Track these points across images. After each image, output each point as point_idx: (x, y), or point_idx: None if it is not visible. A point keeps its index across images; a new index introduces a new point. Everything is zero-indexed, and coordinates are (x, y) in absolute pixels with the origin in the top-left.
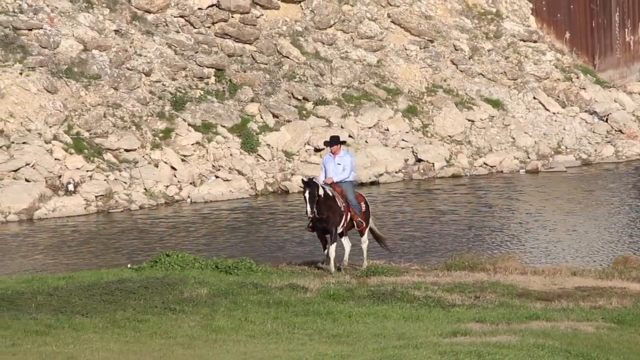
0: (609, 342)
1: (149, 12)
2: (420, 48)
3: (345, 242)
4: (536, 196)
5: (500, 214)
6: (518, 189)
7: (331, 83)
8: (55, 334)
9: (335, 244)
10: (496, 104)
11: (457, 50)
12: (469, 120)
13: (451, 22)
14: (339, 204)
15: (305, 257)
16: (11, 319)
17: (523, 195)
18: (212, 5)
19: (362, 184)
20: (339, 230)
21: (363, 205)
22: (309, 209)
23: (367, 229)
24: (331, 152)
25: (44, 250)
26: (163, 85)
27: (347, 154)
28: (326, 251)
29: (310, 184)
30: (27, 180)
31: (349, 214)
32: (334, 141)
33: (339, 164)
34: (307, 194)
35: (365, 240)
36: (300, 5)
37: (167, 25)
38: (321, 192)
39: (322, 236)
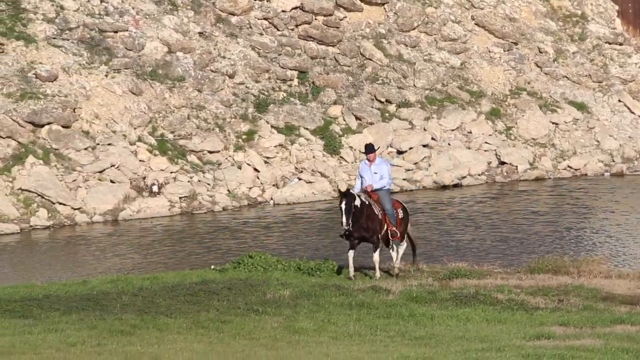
0: None
1: (233, 14)
2: (504, 50)
3: (396, 248)
4: (621, 200)
5: (584, 217)
6: (602, 192)
7: (414, 85)
8: (139, 334)
9: (378, 250)
10: (581, 106)
11: (541, 52)
12: (553, 123)
13: (535, 25)
14: (376, 212)
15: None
16: (97, 319)
17: (607, 198)
18: (295, 8)
19: (444, 187)
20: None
21: (400, 212)
22: (344, 220)
23: (404, 234)
24: (367, 160)
25: (128, 251)
26: (246, 87)
27: (384, 161)
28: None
29: (346, 194)
30: (112, 182)
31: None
32: (369, 149)
33: (375, 172)
34: (343, 205)
35: (403, 244)
36: (384, 8)
37: (250, 27)
38: (357, 202)
39: (355, 245)
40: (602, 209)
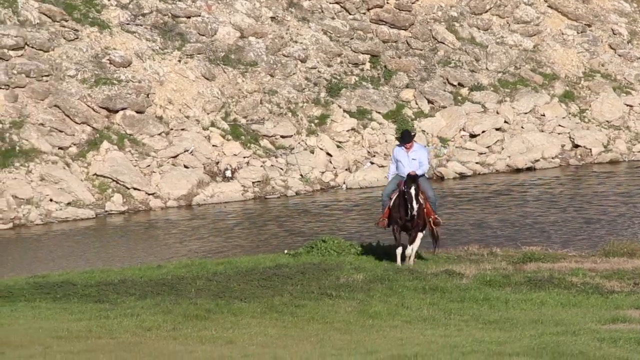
0: None
1: None
2: (578, 32)
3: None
4: None
5: None
6: None
7: (486, 68)
8: (214, 318)
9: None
10: None
11: (615, 34)
12: (628, 105)
13: (609, 6)
14: (422, 203)
15: (462, 243)
16: (172, 304)
17: None
18: None
19: (518, 170)
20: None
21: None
22: (415, 205)
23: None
24: (404, 146)
25: (202, 236)
26: (318, 71)
27: (421, 147)
28: (400, 250)
29: (415, 178)
30: (185, 167)
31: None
32: (407, 137)
33: (414, 158)
34: (413, 190)
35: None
36: None
37: (322, 11)
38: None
39: (399, 230)
40: None
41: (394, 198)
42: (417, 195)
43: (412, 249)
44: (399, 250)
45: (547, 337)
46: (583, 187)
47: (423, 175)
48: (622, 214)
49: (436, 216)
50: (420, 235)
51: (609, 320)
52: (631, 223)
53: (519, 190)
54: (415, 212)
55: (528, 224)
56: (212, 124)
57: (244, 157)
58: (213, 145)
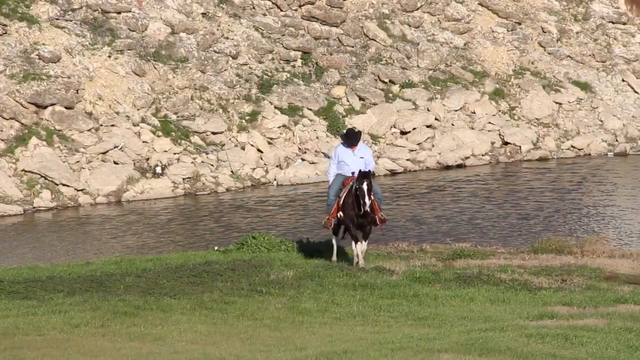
0: None
1: None
2: (508, 30)
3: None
4: (625, 179)
5: (588, 197)
6: (606, 172)
7: (417, 66)
8: (143, 315)
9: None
10: (584, 86)
11: (545, 32)
12: (557, 103)
13: (539, 4)
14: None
15: (390, 240)
16: (100, 300)
17: (611, 178)
18: None
19: (448, 167)
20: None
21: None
22: (367, 201)
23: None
24: (348, 145)
25: (132, 232)
26: (250, 68)
27: (365, 145)
28: (359, 245)
29: (367, 174)
30: (115, 163)
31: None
32: (354, 138)
33: (361, 157)
34: (365, 186)
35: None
36: None
37: (254, 8)
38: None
39: (355, 230)
40: (605, 189)
41: (343, 196)
42: (369, 190)
43: (362, 249)
44: (359, 247)
45: (476, 333)
46: (519, 183)
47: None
48: (558, 210)
49: (382, 214)
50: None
51: (537, 316)
52: (566, 219)
53: (454, 187)
54: (367, 208)
55: (464, 220)
56: (143, 120)
57: (175, 154)
58: (143, 142)
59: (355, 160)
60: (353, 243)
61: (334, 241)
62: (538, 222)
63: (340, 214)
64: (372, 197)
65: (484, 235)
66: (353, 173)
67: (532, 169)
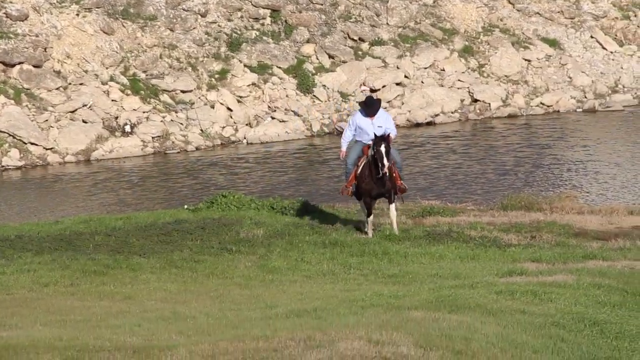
0: None
1: None
2: None
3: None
4: (593, 136)
5: (557, 154)
6: (575, 128)
7: (387, 23)
8: (113, 274)
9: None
10: (553, 43)
11: None
12: (526, 59)
13: None
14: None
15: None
16: (69, 259)
17: (580, 134)
18: None
19: (418, 125)
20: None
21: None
22: (386, 163)
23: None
24: (367, 113)
25: (101, 192)
26: (219, 26)
27: (384, 111)
28: (372, 218)
29: (385, 138)
30: (84, 122)
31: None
32: (374, 106)
33: (379, 126)
34: (382, 148)
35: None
36: None
37: None
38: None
39: (371, 201)
40: (574, 145)
41: (361, 165)
42: (387, 153)
43: (392, 216)
44: (371, 219)
45: (445, 290)
46: (492, 139)
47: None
48: (537, 166)
49: (402, 182)
50: (395, 198)
51: (506, 273)
52: (544, 175)
53: (431, 143)
54: (386, 170)
55: (445, 176)
56: (111, 79)
57: (144, 112)
58: (112, 100)
59: (374, 128)
60: (365, 216)
61: (368, 219)
62: (517, 179)
63: (357, 183)
64: (390, 162)
65: (465, 191)
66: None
67: (501, 126)
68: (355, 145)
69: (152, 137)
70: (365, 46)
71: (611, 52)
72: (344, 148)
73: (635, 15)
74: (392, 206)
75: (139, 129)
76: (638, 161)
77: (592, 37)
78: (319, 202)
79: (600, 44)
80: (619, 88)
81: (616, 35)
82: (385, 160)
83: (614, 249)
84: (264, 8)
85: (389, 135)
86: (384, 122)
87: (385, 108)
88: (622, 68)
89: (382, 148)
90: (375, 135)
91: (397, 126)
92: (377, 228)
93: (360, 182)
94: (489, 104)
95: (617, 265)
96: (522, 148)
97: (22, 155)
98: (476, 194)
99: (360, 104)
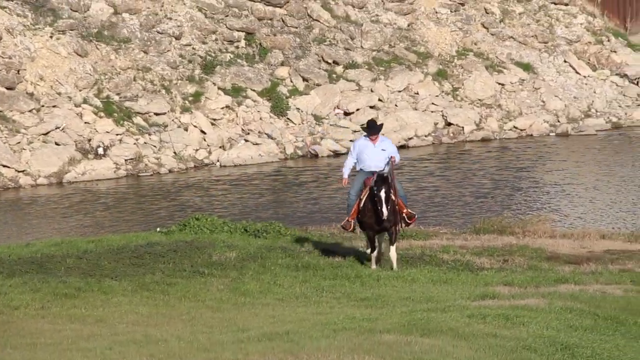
0: (637, 304)
1: None
2: (451, 11)
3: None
4: (566, 160)
5: (530, 178)
6: (548, 152)
7: (361, 47)
8: (84, 297)
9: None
10: (527, 67)
11: (488, 13)
12: (499, 83)
13: None
14: (393, 199)
15: (334, 221)
16: (40, 282)
17: (553, 159)
18: None
19: None
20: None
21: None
22: (385, 211)
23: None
24: (369, 138)
25: (73, 214)
26: (193, 48)
27: (386, 138)
28: (376, 253)
29: (385, 179)
30: (57, 144)
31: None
32: (374, 129)
33: (383, 149)
34: (382, 194)
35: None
36: None
37: None
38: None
39: (374, 236)
40: (547, 170)
41: (364, 198)
42: (387, 199)
43: (392, 258)
44: (375, 254)
45: (418, 313)
46: (467, 163)
47: (389, 165)
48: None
49: (409, 210)
50: (397, 238)
51: (479, 296)
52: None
53: (409, 166)
54: (385, 217)
55: (422, 199)
56: (85, 101)
57: (117, 135)
58: (85, 122)
59: (376, 153)
60: (369, 250)
61: (368, 250)
62: (480, 204)
63: (360, 217)
64: (393, 197)
65: (444, 214)
66: (374, 173)
67: (475, 150)
68: (358, 175)
69: (125, 160)
70: (339, 69)
71: (584, 77)
72: (345, 175)
73: (609, 40)
74: (393, 248)
75: (112, 152)
76: (610, 186)
77: (565, 61)
78: (292, 225)
79: (574, 69)
80: (592, 112)
81: (589, 60)
82: (384, 208)
83: (586, 273)
84: (238, 31)
85: (388, 177)
86: (386, 146)
87: (360, 132)
88: (595, 92)
89: (382, 194)
90: (377, 175)
91: None
92: (380, 260)
93: (363, 217)
94: (463, 127)
95: (588, 289)
96: (498, 171)
97: None
98: (454, 217)
99: (363, 128)
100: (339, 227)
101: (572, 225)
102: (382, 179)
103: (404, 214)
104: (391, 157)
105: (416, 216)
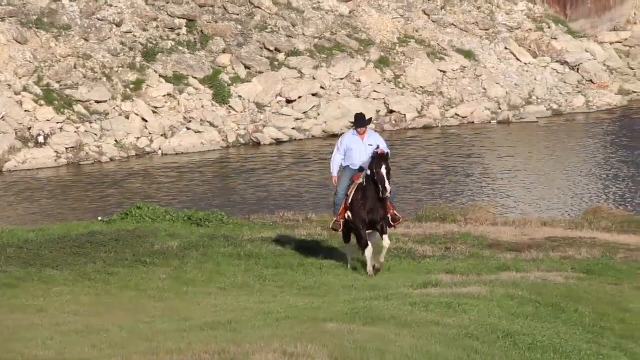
0: (578, 292)
1: None
2: None
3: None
4: (507, 147)
5: (472, 165)
6: (490, 139)
7: (303, 34)
8: (25, 286)
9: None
10: (468, 54)
11: (429, 0)
12: (441, 71)
13: None
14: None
15: (277, 209)
16: None
17: (494, 146)
18: None
19: (334, 136)
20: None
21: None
22: (388, 187)
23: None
24: (357, 132)
25: (13, 203)
26: (134, 36)
27: (373, 132)
28: (370, 250)
29: (385, 157)
30: None
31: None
32: (362, 122)
33: (370, 144)
34: (383, 170)
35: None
36: None
37: None
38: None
39: (365, 231)
40: (489, 157)
41: (352, 194)
42: (389, 174)
43: (385, 245)
44: (369, 252)
45: (361, 302)
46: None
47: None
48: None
49: (395, 212)
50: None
51: (421, 284)
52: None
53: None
54: (388, 194)
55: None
56: (25, 89)
57: (57, 123)
58: (25, 111)
59: (364, 148)
60: (362, 248)
61: (346, 252)
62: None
63: (349, 214)
64: (391, 185)
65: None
66: (361, 168)
67: (417, 138)
68: (345, 172)
69: (66, 148)
70: (281, 57)
71: (525, 64)
72: (335, 174)
73: (549, 27)
74: (386, 237)
75: (53, 140)
76: (551, 173)
77: (506, 48)
78: (235, 214)
79: (515, 56)
80: (532, 99)
81: (530, 47)
82: (387, 184)
83: (527, 261)
84: (179, 18)
85: (388, 154)
86: (375, 142)
87: (302, 119)
88: (536, 79)
89: (383, 170)
90: (376, 153)
91: (313, 137)
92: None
93: (354, 211)
94: (405, 115)
95: (530, 276)
96: (435, 160)
97: None
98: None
99: (351, 122)
100: (328, 228)
101: (513, 212)
102: (381, 157)
103: (389, 215)
104: (377, 146)
105: (401, 219)
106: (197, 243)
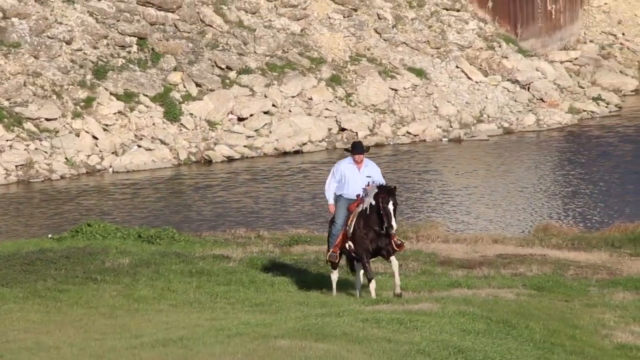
0: (529, 308)
1: None
2: (344, 17)
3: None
4: (459, 165)
5: (423, 183)
6: (441, 157)
7: (255, 52)
8: None
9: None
10: (419, 73)
11: (380, 19)
12: (393, 89)
13: None
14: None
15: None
16: None
17: (446, 164)
18: None
19: (285, 153)
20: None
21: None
22: (394, 224)
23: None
24: (354, 160)
25: None
26: (84, 53)
27: (371, 162)
28: (374, 283)
29: (392, 191)
30: None
31: None
32: (359, 149)
33: (368, 176)
34: (391, 206)
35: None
36: None
37: None
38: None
39: (369, 260)
40: (440, 175)
41: (352, 224)
42: (395, 211)
43: (394, 261)
44: (373, 285)
45: (312, 318)
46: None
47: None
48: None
49: (397, 238)
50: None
51: (372, 301)
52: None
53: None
54: (393, 231)
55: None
56: None
57: (7, 140)
58: None
59: (361, 179)
60: (368, 280)
61: (333, 276)
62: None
63: (350, 244)
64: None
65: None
66: (358, 195)
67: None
68: (341, 203)
69: (16, 166)
70: (232, 75)
71: (476, 82)
72: (331, 201)
73: (500, 46)
74: (393, 258)
75: (2, 158)
76: (501, 190)
77: (457, 67)
78: (193, 230)
79: (466, 74)
80: (483, 118)
81: (481, 66)
82: (393, 221)
83: (479, 277)
84: (130, 36)
85: (395, 188)
86: (371, 172)
87: (254, 137)
88: (487, 98)
89: (390, 206)
90: (382, 187)
91: (265, 155)
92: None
93: (356, 241)
94: (357, 132)
95: (481, 293)
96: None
97: None
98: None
99: (347, 150)
100: (324, 261)
101: (464, 230)
102: (387, 191)
103: (393, 240)
104: (370, 181)
105: (404, 245)
106: (149, 260)
